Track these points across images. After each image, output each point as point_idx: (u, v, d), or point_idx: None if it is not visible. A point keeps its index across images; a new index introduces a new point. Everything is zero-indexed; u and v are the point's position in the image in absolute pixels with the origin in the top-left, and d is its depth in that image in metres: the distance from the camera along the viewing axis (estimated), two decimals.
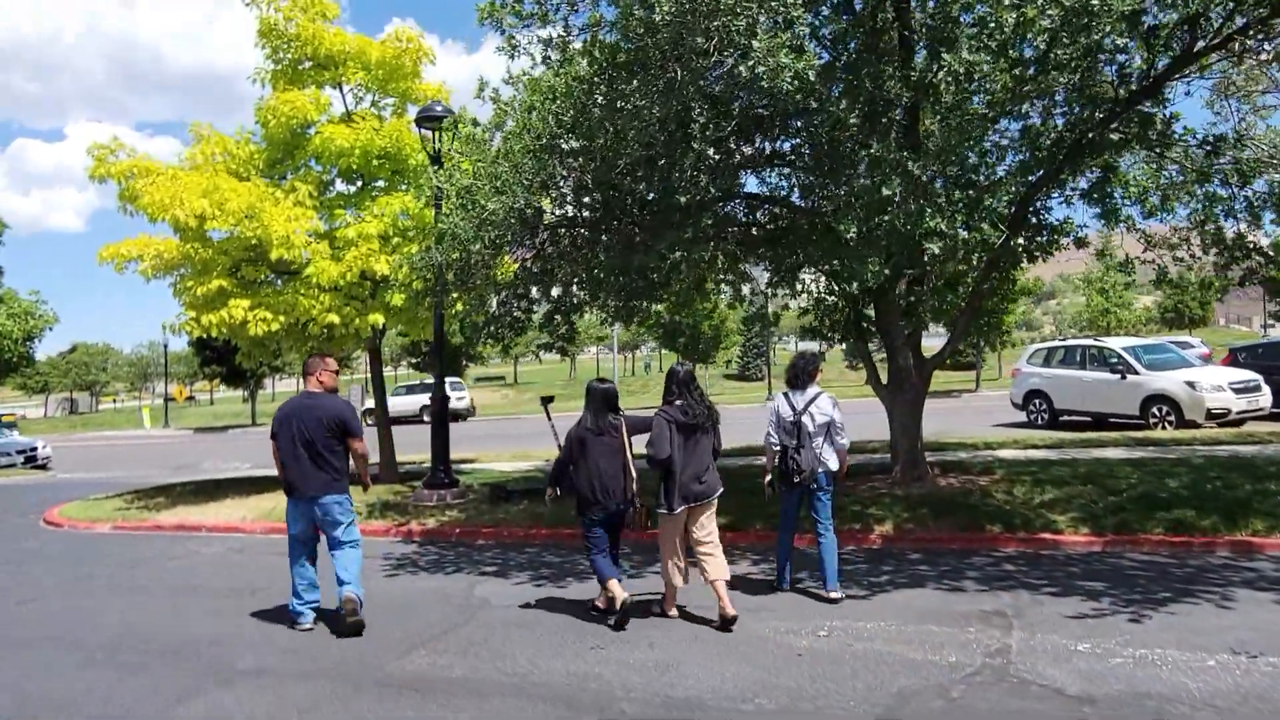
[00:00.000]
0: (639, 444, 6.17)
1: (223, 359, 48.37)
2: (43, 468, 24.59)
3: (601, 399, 6.16)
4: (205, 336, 12.88)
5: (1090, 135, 7.84)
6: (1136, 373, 17.03)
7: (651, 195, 7.75)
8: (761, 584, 7.04)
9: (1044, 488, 9.62)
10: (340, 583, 6.14)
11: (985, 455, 13.29)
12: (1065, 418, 18.70)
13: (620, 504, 6.04)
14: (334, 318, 12.03)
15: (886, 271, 7.54)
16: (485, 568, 8.21)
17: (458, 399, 43.65)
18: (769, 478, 6.70)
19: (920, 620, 5.81)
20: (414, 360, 51.78)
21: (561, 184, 8.16)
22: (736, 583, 7.01)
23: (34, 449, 25.17)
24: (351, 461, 6.39)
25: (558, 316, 9.43)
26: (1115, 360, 17.49)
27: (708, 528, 6.04)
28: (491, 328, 9.55)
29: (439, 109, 11.68)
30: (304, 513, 6.24)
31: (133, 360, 76.53)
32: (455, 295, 10.33)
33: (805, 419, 6.44)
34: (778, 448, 6.50)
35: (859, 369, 61.53)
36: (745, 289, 13.55)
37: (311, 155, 12.62)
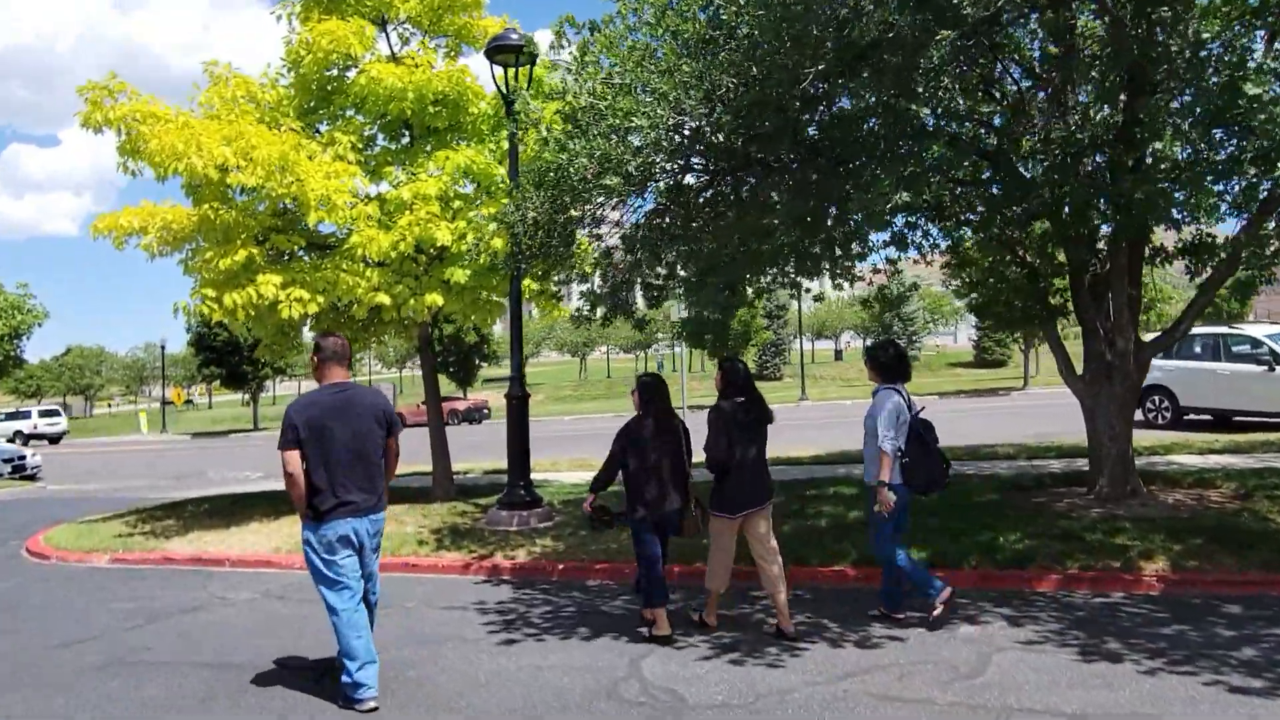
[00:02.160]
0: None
1: (222, 360, 46.09)
2: (31, 478, 22.25)
3: (664, 393, 5.71)
4: (223, 323, 10.68)
5: None
6: None
7: (872, 104, 5.46)
8: (1054, 651, 4.79)
9: None
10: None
11: (1160, 462, 11.12)
12: (1191, 416, 16.51)
13: (677, 507, 5.59)
14: (383, 298, 9.76)
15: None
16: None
17: (48, 425, 43.47)
18: (891, 493, 5.38)
19: None
20: None
21: (729, 98, 5.90)
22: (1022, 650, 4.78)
23: (22, 458, 22.82)
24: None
25: (710, 279, 7.07)
26: (1260, 350, 15.26)
27: (771, 536, 5.59)
28: (619, 297, 7.23)
29: (514, 37, 9.42)
30: (354, 539, 4.72)
31: (128, 363, 73.78)
32: (550, 262, 8.10)
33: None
34: (904, 455, 5.39)
35: None
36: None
37: (353, 101, 10.34)
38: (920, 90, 5.21)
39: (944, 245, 9.32)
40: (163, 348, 52.72)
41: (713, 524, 5.56)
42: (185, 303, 9.62)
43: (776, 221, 6.16)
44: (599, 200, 6.86)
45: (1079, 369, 8.57)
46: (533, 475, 14.15)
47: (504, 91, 9.51)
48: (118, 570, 8.90)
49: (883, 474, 5.31)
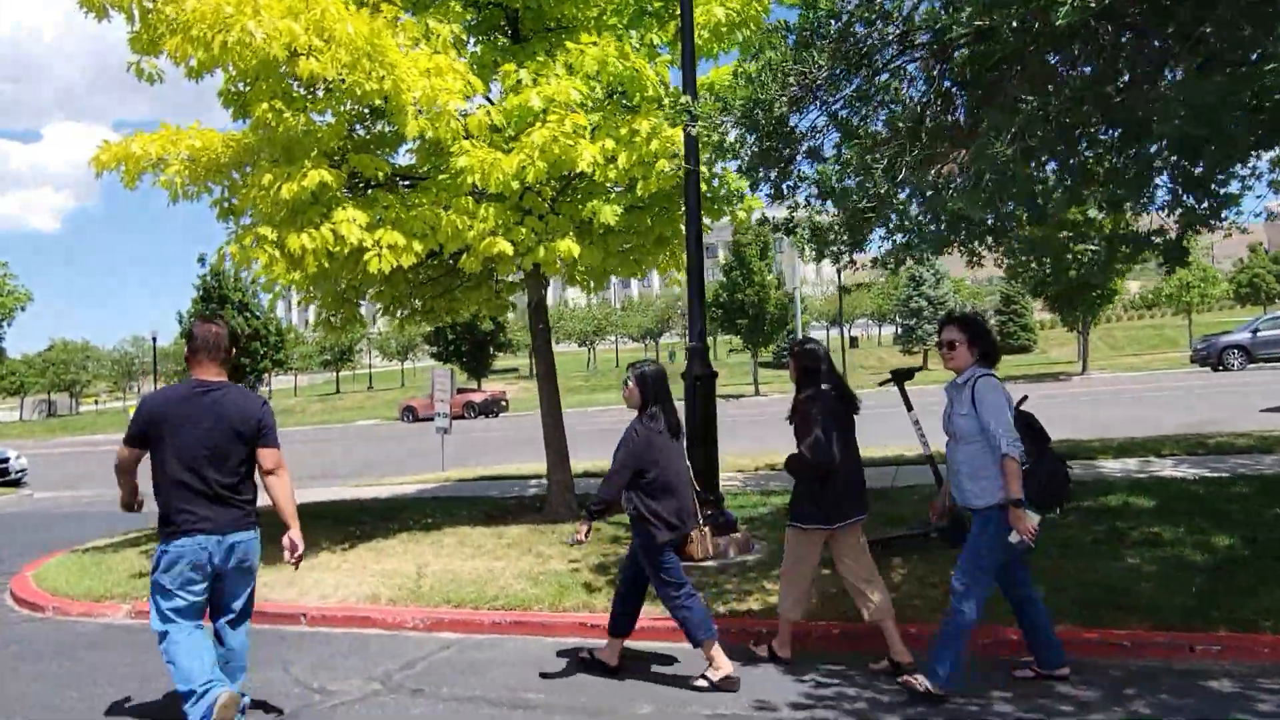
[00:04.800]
0: None
1: None
2: (16, 484, 19.40)
3: (667, 386, 4.68)
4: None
5: None
6: None
7: None
8: None
9: None
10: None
11: None
12: None
13: (690, 525, 4.56)
14: (503, 245, 7.07)
15: None
16: None
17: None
18: (1028, 513, 3.89)
19: None
20: (434, 350, 46.20)
21: None
22: None
23: (5, 460, 19.89)
24: (265, 490, 4.13)
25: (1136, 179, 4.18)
26: None
27: (865, 554, 4.61)
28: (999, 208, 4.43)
29: None
30: (206, 563, 3.92)
31: (116, 357, 70.28)
32: (779, 170, 5.47)
33: None
34: (1025, 462, 3.95)
35: (913, 352, 56.75)
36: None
37: None
38: None
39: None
40: (154, 341, 49.59)
41: (795, 540, 4.61)
42: (235, 247, 6.84)
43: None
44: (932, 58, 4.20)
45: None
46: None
47: None
48: (143, 631, 6.17)
49: (1013, 487, 3.86)
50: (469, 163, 6.88)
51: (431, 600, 6.02)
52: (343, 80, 6.36)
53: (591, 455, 12.38)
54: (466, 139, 7.08)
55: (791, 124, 5.20)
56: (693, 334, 6.84)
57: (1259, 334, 28.34)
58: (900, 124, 4.67)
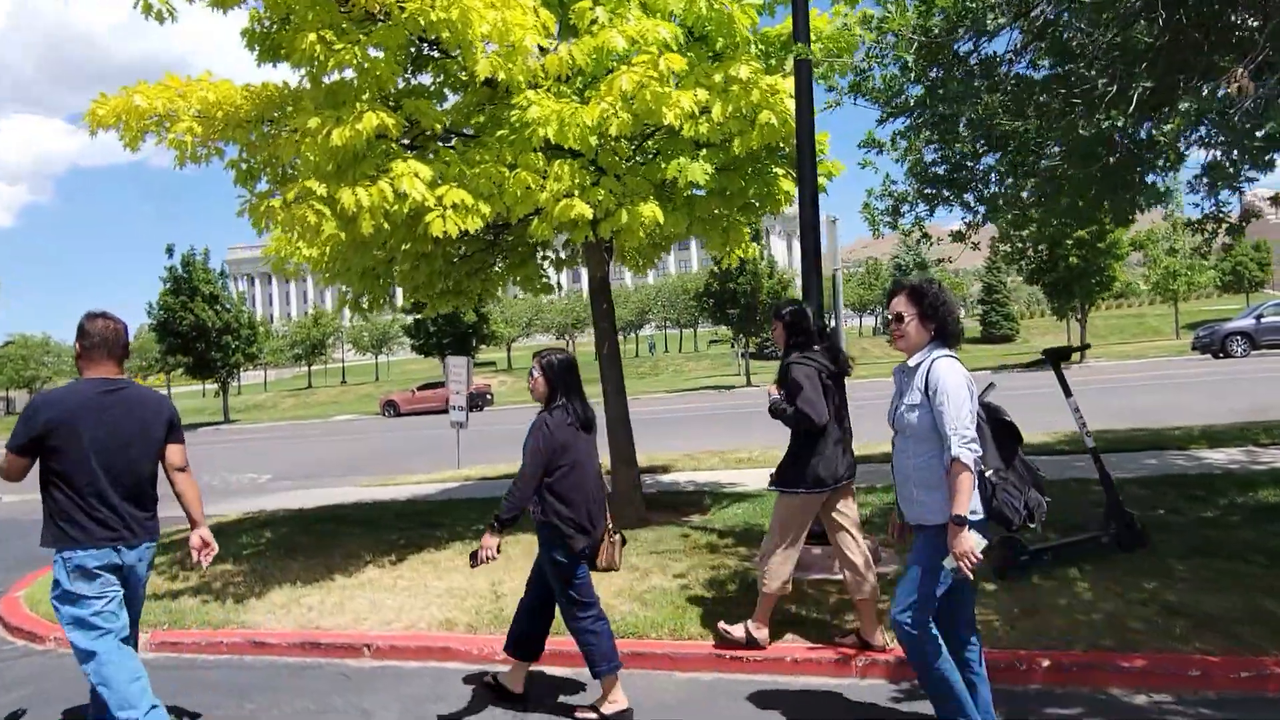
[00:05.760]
0: None
1: (189, 347, 41.30)
2: None
3: (578, 376, 4.17)
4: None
5: None
6: None
7: None
8: None
9: None
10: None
11: None
12: None
13: (601, 529, 4.13)
14: (582, 208, 6.09)
15: None
16: None
17: None
18: (975, 534, 3.15)
19: None
20: (415, 342, 44.77)
21: None
22: None
23: None
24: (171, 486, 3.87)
25: None
26: None
27: (853, 517, 4.47)
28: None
29: None
30: (120, 568, 3.66)
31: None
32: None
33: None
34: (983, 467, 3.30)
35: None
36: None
37: None
38: None
39: None
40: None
41: (786, 507, 4.42)
42: (278, 203, 5.76)
43: None
44: None
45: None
46: (675, 473, 10.62)
47: None
48: (171, 669, 5.13)
49: (959, 500, 3.13)
50: (542, 113, 5.88)
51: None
52: (402, 8, 5.35)
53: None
54: (534, 88, 6.09)
55: (979, 50, 4.29)
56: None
57: (1263, 320, 28.06)
58: (1141, 38, 3.77)
